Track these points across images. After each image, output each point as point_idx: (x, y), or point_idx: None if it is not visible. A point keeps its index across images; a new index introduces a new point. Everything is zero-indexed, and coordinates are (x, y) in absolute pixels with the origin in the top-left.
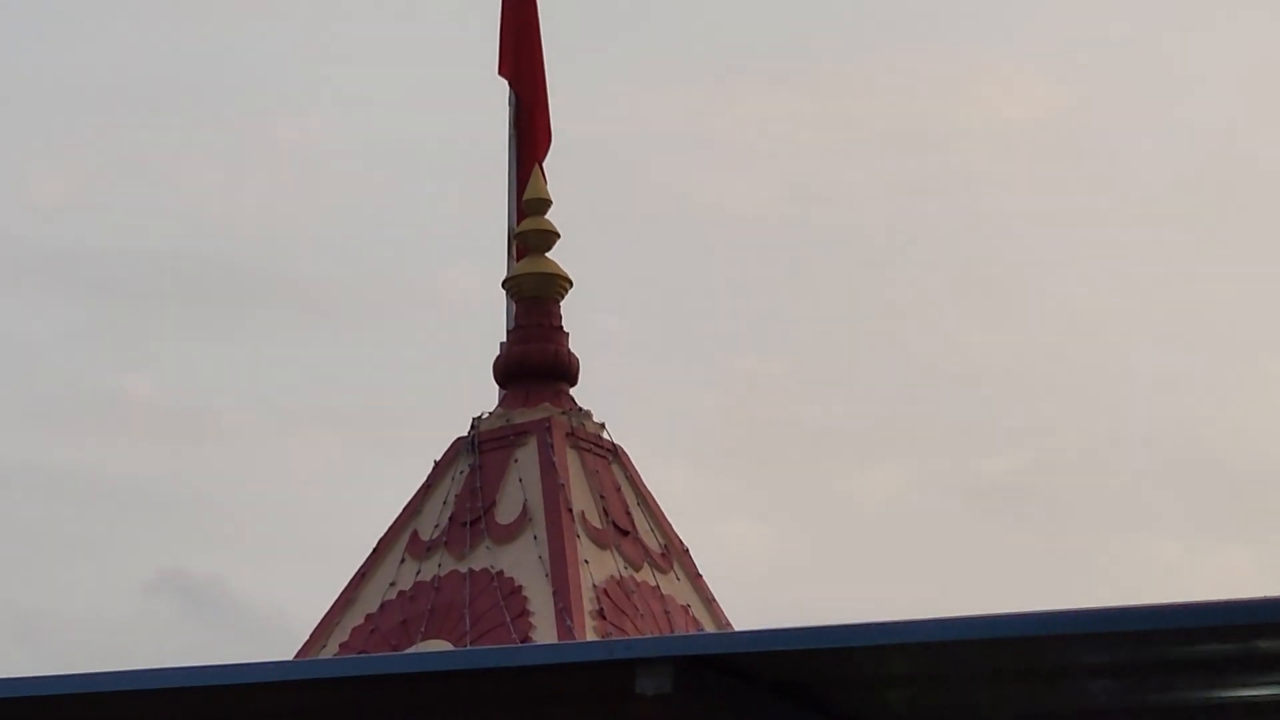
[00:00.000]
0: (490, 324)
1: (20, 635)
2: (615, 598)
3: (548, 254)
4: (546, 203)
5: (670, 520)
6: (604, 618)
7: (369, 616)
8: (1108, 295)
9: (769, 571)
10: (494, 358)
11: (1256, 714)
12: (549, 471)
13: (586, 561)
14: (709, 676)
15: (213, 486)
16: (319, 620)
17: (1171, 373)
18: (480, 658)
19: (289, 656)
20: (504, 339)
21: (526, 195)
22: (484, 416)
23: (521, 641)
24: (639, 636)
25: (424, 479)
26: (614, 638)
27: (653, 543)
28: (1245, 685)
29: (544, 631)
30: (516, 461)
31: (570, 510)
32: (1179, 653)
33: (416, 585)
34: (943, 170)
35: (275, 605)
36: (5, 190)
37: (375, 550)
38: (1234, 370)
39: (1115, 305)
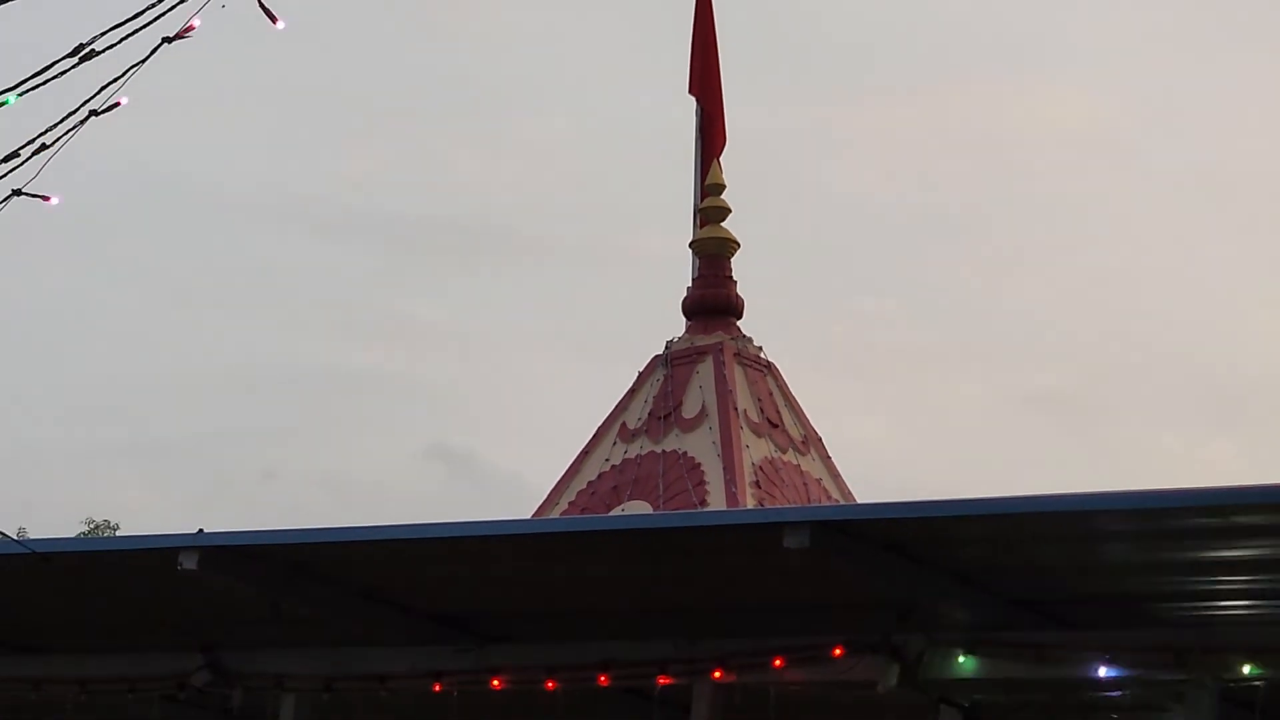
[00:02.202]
0: (679, 275)
1: (329, 490)
2: (768, 473)
3: (723, 224)
4: (722, 186)
5: (809, 416)
6: (759, 487)
7: (589, 483)
8: (1134, 254)
9: (880, 455)
10: (682, 299)
11: (1231, 569)
12: (721, 381)
13: (748, 446)
14: (837, 536)
15: (472, 384)
16: (553, 485)
17: (1182, 313)
18: (670, 520)
19: (526, 511)
20: (689, 285)
21: (708, 180)
22: (674, 340)
23: (699, 504)
24: (786, 505)
25: (629, 384)
26: (767, 503)
27: (795, 433)
28: (1225, 549)
29: (716, 496)
30: (698, 373)
31: (736, 409)
32: (1173, 524)
33: (624, 461)
34: (1011, 166)
35: (515, 472)
36: (326, 167)
37: (594, 436)
38: (1229, 307)
39: (1140, 264)
